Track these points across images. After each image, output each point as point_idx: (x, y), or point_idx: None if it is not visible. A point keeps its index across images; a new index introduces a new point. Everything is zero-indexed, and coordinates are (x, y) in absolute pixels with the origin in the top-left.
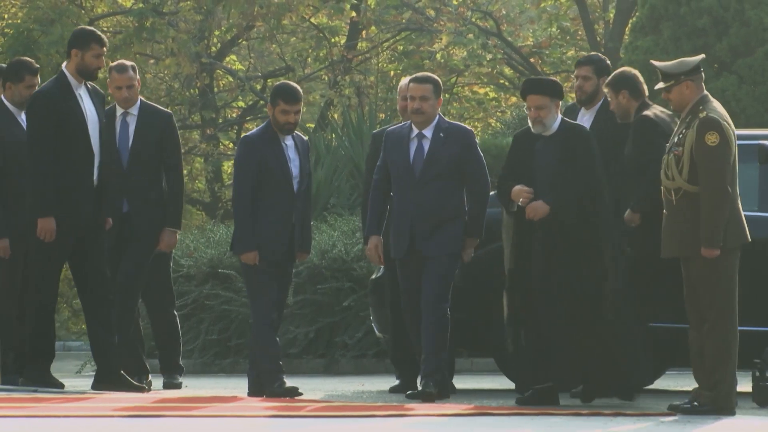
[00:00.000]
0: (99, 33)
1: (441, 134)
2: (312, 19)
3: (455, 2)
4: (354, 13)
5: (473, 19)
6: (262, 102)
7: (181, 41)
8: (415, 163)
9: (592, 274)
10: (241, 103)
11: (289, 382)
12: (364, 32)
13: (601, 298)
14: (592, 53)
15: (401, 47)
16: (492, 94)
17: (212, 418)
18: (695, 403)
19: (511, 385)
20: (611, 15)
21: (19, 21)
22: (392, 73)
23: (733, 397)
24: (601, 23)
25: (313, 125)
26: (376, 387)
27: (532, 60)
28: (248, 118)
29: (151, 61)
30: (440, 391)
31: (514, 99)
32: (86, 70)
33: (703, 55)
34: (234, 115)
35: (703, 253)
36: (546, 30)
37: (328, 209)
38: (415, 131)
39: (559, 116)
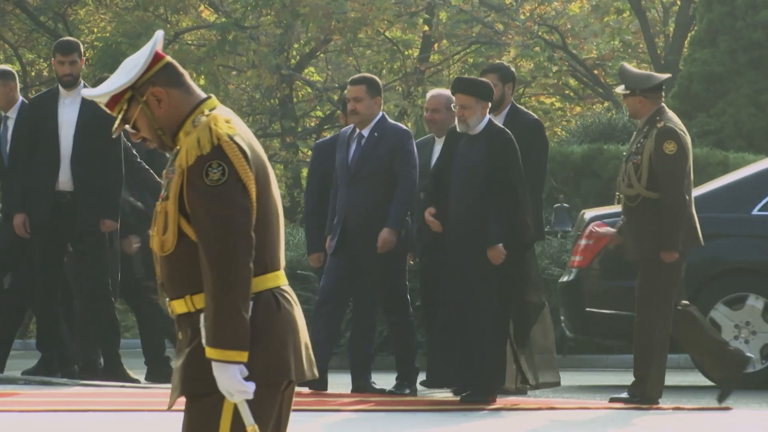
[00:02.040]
0: (62, 41)
1: (376, 134)
2: (386, 33)
3: (523, 17)
4: (426, 27)
5: (540, 33)
6: (339, 111)
7: (262, 54)
8: (352, 162)
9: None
10: (318, 113)
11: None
12: (436, 45)
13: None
14: (497, 62)
15: (471, 59)
16: (557, 104)
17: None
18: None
19: None
20: (671, 29)
21: (107, 35)
22: None
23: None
24: (661, 37)
25: None
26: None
27: (595, 72)
28: (326, 126)
29: (234, 72)
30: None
31: (578, 108)
32: (58, 78)
33: (669, 75)
34: (312, 124)
35: (662, 257)
36: (609, 43)
37: None
38: (356, 131)
39: (487, 117)
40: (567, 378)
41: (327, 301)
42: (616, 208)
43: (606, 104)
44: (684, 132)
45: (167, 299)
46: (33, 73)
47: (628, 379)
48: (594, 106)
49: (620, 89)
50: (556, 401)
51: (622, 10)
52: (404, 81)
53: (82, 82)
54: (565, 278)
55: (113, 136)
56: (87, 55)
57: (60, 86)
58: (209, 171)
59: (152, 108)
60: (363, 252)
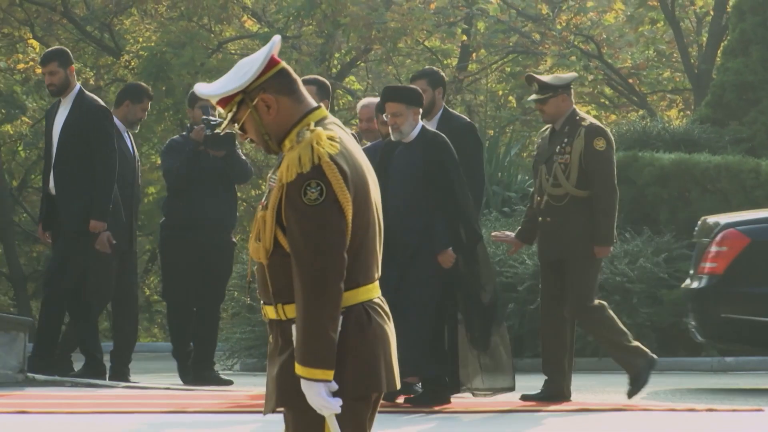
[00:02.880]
0: (44, 53)
1: None
2: (426, 43)
3: (559, 27)
4: (465, 37)
5: (576, 43)
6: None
7: (304, 63)
8: None
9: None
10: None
11: None
12: (474, 54)
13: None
14: (426, 67)
15: (509, 68)
16: (593, 113)
17: None
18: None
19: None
20: (704, 39)
21: (152, 44)
22: (500, 92)
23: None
24: (694, 46)
25: None
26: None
27: (630, 80)
28: None
29: None
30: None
31: (614, 117)
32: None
33: (576, 74)
34: (353, 131)
35: (596, 252)
36: (643, 53)
37: None
38: None
39: (420, 123)
40: (601, 380)
41: None
42: (749, 214)
43: (641, 112)
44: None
45: (261, 302)
46: (79, 82)
47: (663, 381)
48: (629, 114)
49: (536, 96)
50: (594, 403)
51: (657, 21)
52: None
53: (78, 86)
54: (694, 284)
55: (221, 134)
56: (132, 64)
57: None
58: (308, 190)
59: (261, 113)
60: None
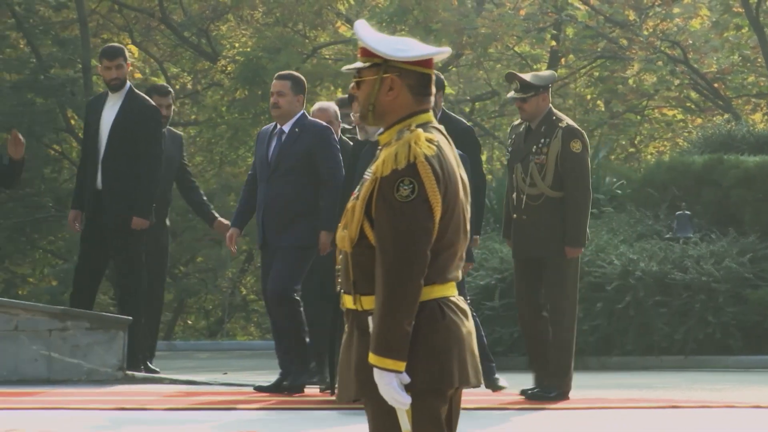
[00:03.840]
0: (107, 47)
1: (297, 130)
2: (516, 48)
3: (646, 32)
4: (554, 42)
5: (662, 48)
6: (470, 122)
7: None
8: (272, 158)
9: None
10: None
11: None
12: (563, 59)
13: None
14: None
15: (597, 73)
16: (679, 116)
17: None
18: (537, 390)
19: None
20: None
21: (248, 49)
22: (588, 96)
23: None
24: None
25: None
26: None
27: (715, 85)
28: None
29: None
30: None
31: (699, 120)
32: (105, 82)
33: (554, 73)
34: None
35: (567, 253)
36: (728, 57)
37: None
38: (278, 128)
39: None
40: (688, 378)
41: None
42: None
43: (726, 116)
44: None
45: (341, 290)
46: (177, 86)
47: (749, 379)
48: (714, 118)
49: (517, 95)
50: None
51: (741, 26)
52: None
53: (129, 84)
54: None
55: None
56: (229, 68)
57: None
58: (400, 186)
59: (381, 89)
60: (276, 243)
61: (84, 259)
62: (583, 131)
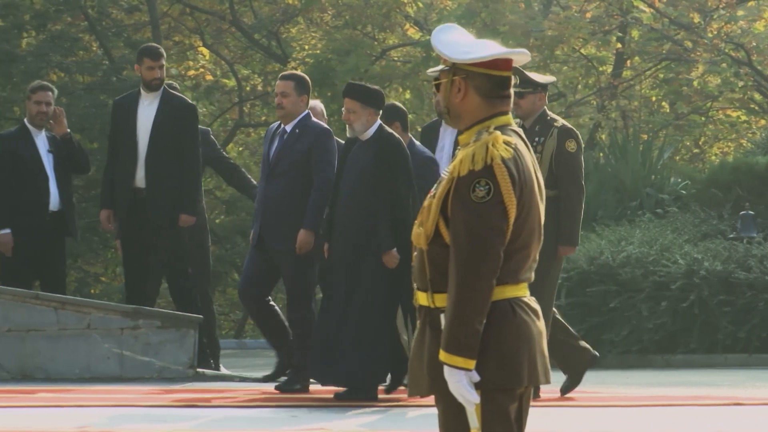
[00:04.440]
0: (151, 47)
1: (297, 130)
2: (582, 50)
3: (710, 35)
4: (619, 45)
5: (726, 50)
6: None
7: None
8: (273, 156)
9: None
10: None
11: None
12: (628, 62)
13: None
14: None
15: (662, 75)
16: (743, 117)
17: None
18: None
19: None
20: None
21: (318, 52)
22: (654, 98)
23: None
24: None
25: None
26: (638, 380)
27: None
28: None
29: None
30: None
31: (763, 122)
32: (145, 82)
33: (553, 78)
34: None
35: (560, 251)
36: None
37: (597, 220)
38: (281, 127)
39: (377, 123)
40: (751, 375)
41: (249, 287)
42: None
43: None
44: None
45: (415, 286)
46: (248, 88)
47: None
48: None
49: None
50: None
51: None
52: (598, 95)
53: (164, 85)
54: None
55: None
56: (299, 70)
57: (141, 89)
58: (476, 187)
59: (451, 90)
60: (275, 246)
61: (129, 259)
62: (577, 132)
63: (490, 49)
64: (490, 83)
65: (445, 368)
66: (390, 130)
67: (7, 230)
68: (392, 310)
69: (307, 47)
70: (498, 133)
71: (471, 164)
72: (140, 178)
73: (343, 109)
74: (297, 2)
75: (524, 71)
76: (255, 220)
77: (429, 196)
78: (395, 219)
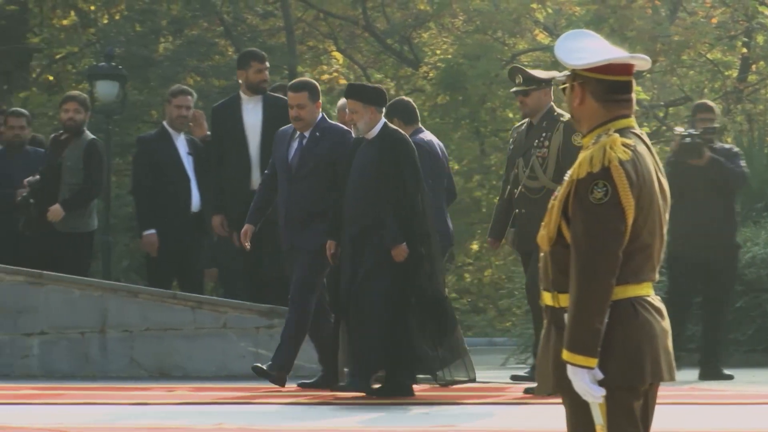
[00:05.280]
0: (255, 51)
1: (317, 133)
2: (708, 55)
3: None
4: (745, 50)
5: None
6: (664, 127)
7: None
8: (293, 160)
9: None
10: (646, 129)
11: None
12: (753, 66)
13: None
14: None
15: None
16: None
17: None
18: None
19: None
20: None
21: (449, 56)
22: None
23: None
24: None
25: None
26: (764, 378)
27: None
28: (651, 142)
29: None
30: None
31: None
32: (252, 85)
33: (558, 73)
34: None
35: None
36: None
37: None
38: (298, 132)
39: (382, 121)
40: None
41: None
42: None
43: None
44: None
45: (541, 287)
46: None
47: None
48: None
49: (516, 89)
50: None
51: None
52: (724, 99)
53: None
54: None
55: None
56: (430, 75)
57: (242, 93)
58: (594, 189)
59: (571, 96)
60: (300, 247)
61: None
62: None
63: (604, 54)
64: (605, 88)
65: (569, 367)
66: (394, 126)
67: (153, 230)
68: (398, 305)
69: (438, 52)
70: (616, 135)
71: (589, 166)
72: (256, 181)
73: (345, 110)
74: (429, 8)
75: (527, 69)
76: (281, 226)
77: (552, 197)
78: (404, 213)
